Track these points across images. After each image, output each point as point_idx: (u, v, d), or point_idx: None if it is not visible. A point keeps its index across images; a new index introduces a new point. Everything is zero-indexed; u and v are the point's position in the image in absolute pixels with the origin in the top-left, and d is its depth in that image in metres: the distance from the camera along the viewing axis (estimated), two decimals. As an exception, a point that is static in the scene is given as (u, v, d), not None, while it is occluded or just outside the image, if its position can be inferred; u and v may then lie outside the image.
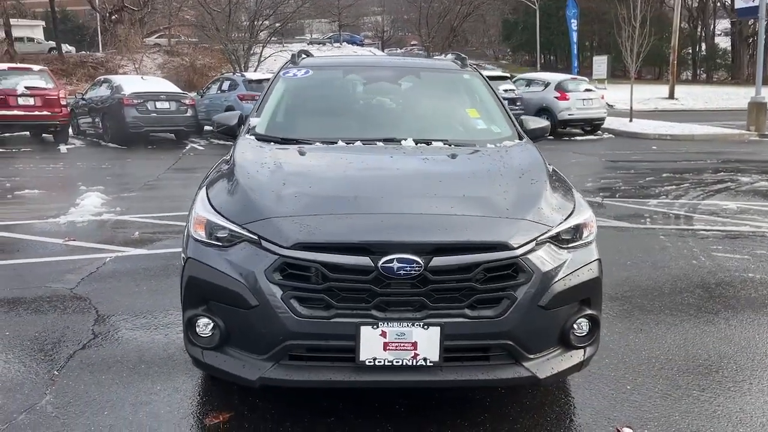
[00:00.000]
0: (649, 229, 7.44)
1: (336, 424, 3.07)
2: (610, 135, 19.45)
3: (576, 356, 2.98)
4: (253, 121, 4.09)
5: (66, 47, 42.65)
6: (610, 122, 20.21)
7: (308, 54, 5.02)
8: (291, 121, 4.17)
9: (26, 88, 14.82)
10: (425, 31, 43.66)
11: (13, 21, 40.05)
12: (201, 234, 2.96)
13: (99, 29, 41.11)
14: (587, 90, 18.83)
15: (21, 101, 14.74)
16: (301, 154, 3.57)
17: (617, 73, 35.95)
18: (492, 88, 4.55)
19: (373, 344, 2.70)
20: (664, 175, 11.58)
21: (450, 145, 3.78)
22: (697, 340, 4.16)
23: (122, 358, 3.79)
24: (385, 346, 2.71)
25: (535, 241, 2.83)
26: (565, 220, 3.01)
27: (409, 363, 2.73)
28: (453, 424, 3.09)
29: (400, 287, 2.70)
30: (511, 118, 4.24)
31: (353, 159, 3.47)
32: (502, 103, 4.39)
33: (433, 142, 3.79)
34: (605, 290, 5.00)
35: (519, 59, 60.24)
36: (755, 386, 3.54)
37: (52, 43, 41.44)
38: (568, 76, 21.26)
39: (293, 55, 4.83)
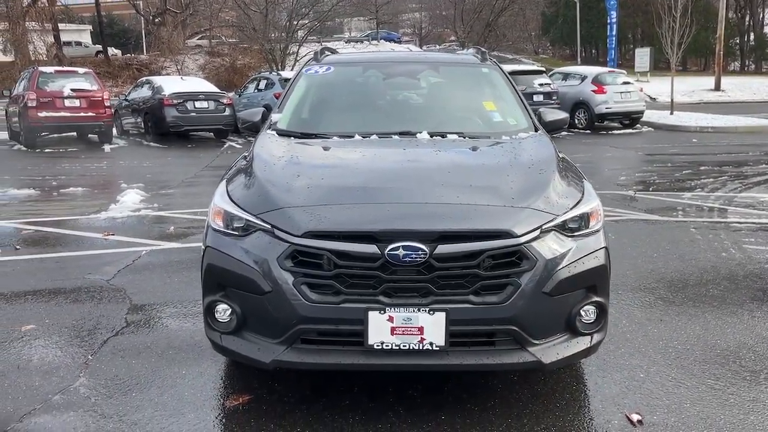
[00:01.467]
0: (681, 221, 7.35)
1: (350, 407, 3.19)
2: (650, 128, 19.11)
3: (582, 342, 3.03)
4: (274, 117, 4.24)
5: (112, 50, 43.89)
6: (650, 115, 19.87)
7: (332, 51, 5.16)
8: (311, 116, 4.30)
9: (72, 90, 15.35)
10: (461, 27, 43.40)
11: (61, 26, 41.39)
12: (219, 224, 3.11)
13: (143, 32, 42.16)
14: (625, 83, 18.55)
15: (67, 103, 15.26)
16: (318, 147, 3.69)
17: (662, 66, 35.22)
18: (511, 81, 4.60)
19: (381, 329, 2.81)
20: (702, 168, 11.38)
21: (465, 138, 3.85)
22: (718, 331, 4.15)
23: (152, 344, 3.98)
24: (393, 330, 2.81)
25: (539, 229, 2.90)
26: (572, 208, 3.06)
27: (416, 347, 2.83)
28: (464, 408, 3.18)
29: (406, 274, 2.79)
30: (527, 110, 4.30)
31: (367, 152, 3.59)
32: (519, 95, 4.44)
33: (448, 135, 3.87)
34: (629, 281, 5.10)
35: (559, 53, 59.46)
36: (772, 376, 3.53)
37: (99, 47, 42.66)
38: (606, 69, 20.99)
39: (316, 53, 4.97)
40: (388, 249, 2.75)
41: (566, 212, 3.03)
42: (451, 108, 4.38)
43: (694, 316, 4.41)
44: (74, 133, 16.37)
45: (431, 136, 3.84)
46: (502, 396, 3.30)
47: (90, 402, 3.27)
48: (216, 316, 3.05)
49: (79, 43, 45.61)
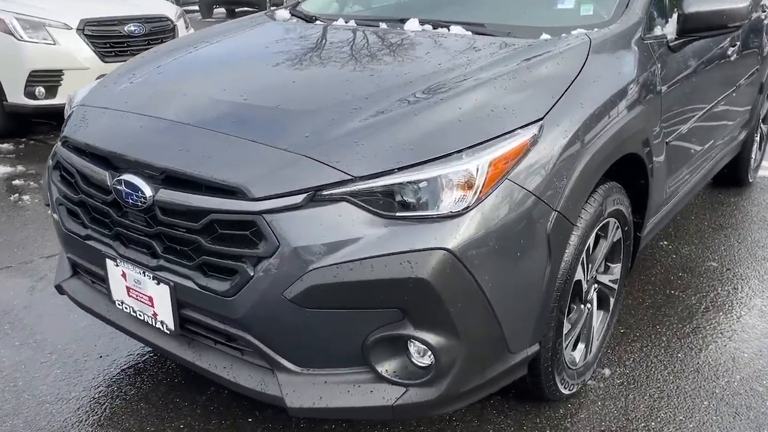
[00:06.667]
0: None
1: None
2: None
3: (380, 395, 1.78)
4: (307, -7, 3.40)
5: None
6: None
7: None
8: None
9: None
10: None
11: None
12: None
13: None
14: None
15: None
16: (255, 33, 2.85)
17: None
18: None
19: (119, 285, 2.09)
20: None
21: (474, 33, 2.49)
22: None
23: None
24: (128, 291, 2.07)
25: (307, 194, 1.70)
26: (409, 168, 1.71)
27: (150, 322, 2.05)
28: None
29: (135, 220, 1.98)
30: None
31: (286, 44, 2.60)
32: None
33: (452, 27, 2.56)
34: None
35: None
36: None
37: None
38: None
39: None
40: (114, 180, 1.97)
41: (383, 175, 1.71)
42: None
43: None
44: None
45: (434, 27, 2.60)
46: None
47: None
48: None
49: None
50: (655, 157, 2.52)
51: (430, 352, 1.77)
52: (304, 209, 1.70)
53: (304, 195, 1.70)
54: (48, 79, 5.70)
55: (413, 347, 1.80)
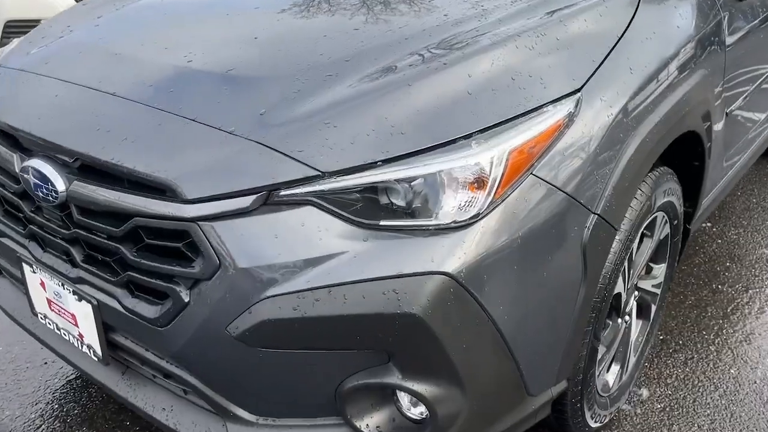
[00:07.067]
0: None
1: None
2: None
3: (358, 456, 1.37)
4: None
5: None
6: None
7: None
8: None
9: None
10: None
11: None
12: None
13: None
14: None
15: None
16: None
17: None
18: None
19: (39, 295, 1.68)
20: None
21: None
22: None
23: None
24: (50, 303, 1.65)
25: (257, 195, 1.24)
26: (394, 161, 1.25)
27: (76, 344, 1.63)
28: None
29: (50, 218, 1.54)
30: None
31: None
32: None
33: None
34: None
35: None
36: None
37: None
38: None
39: None
40: (22, 165, 1.53)
41: (363, 169, 1.25)
42: None
43: None
44: None
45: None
46: None
47: None
48: None
49: None
50: (715, 131, 2.04)
51: (413, 401, 1.35)
52: (255, 215, 1.26)
53: (255, 196, 1.25)
54: (25, 30, 5.19)
55: (404, 394, 1.38)
